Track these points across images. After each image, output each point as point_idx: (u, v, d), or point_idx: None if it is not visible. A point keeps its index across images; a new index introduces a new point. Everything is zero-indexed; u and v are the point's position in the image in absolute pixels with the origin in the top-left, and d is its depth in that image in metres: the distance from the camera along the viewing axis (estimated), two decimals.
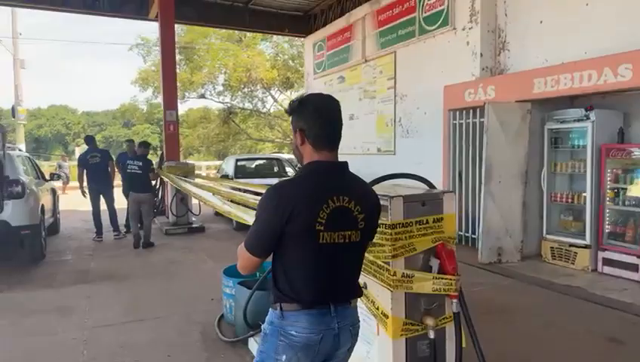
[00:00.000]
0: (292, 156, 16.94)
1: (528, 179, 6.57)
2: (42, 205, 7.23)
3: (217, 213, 11.34)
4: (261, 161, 11.09)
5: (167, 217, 10.52)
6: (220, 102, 31.87)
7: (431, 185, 2.78)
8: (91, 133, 63.57)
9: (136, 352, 3.84)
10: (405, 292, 2.16)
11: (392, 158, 10.62)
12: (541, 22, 7.34)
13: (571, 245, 6.15)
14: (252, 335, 3.79)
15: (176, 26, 25.56)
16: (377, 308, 2.23)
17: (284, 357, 1.74)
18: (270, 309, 1.84)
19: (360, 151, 11.86)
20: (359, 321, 1.87)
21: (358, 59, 11.71)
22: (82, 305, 5.07)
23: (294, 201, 1.67)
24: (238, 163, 10.35)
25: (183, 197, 9.36)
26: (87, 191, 8.62)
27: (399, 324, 2.14)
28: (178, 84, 26.74)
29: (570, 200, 6.31)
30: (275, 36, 29.76)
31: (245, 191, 5.75)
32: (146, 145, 8.95)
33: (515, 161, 6.42)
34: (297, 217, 1.66)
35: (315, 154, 1.82)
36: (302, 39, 15.62)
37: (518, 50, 7.76)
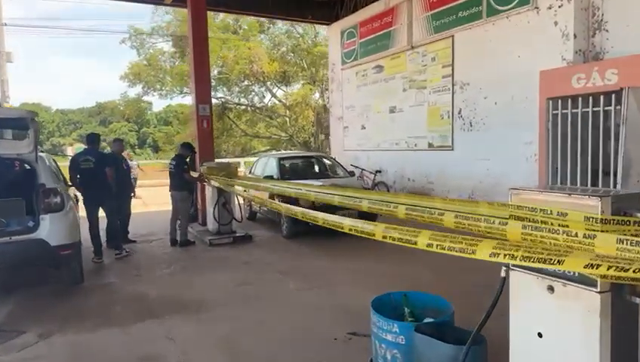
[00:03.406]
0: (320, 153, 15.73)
1: None
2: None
3: (250, 218, 10.22)
4: (304, 160, 9.99)
5: (200, 223, 9.37)
6: (215, 97, 30.45)
7: None
8: (65, 132, 60.70)
9: None
10: None
11: (449, 155, 9.67)
12: None
13: None
14: None
15: (173, 14, 23.98)
16: None
17: None
18: None
19: (404, 147, 10.88)
20: None
21: (402, 46, 10.70)
22: (170, 352, 3.91)
23: None
24: (282, 162, 9.21)
25: (225, 202, 8.20)
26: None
27: None
28: (177, 78, 25.38)
29: None
30: (272, 27, 28.60)
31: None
32: (185, 146, 8.24)
33: None
34: None
35: None
36: (325, 27, 14.43)
37: (621, 29, 6.86)
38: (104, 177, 6.96)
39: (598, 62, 6.42)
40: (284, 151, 18.30)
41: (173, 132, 40.68)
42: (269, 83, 29.00)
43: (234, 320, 4.57)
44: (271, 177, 8.67)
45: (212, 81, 28.87)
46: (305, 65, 26.93)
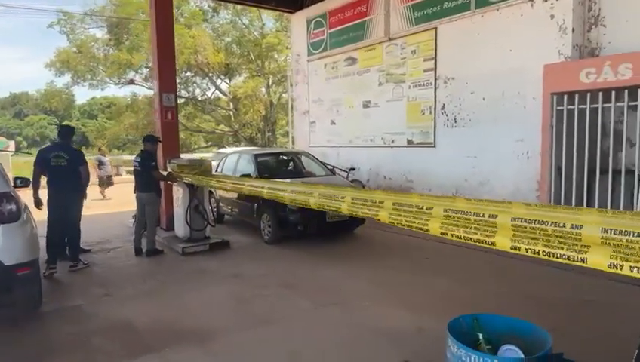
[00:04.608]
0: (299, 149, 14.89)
1: None
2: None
3: (217, 221, 9.26)
4: (281, 158, 9.17)
5: (164, 228, 8.30)
6: (151, 88, 28.57)
7: None
8: None
9: None
10: None
11: (430, 151, 9.29)
12: None
13: None
14: None
15: None
16: None
17: None
18: None
19: (380, 143, 10.40)
20: None
21: (378, 38, 10.19)
22: None
23: None
24: (259, 160, 8.35)
25: (198, 205, 7.26)
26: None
27: None
28: (113, 67, 23.37)
29: None
30: (215, 17, 27.25)
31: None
32: (150, 139, 7.05)
33: None
34: None
35: None
36: (289, 15, 13.59)
37: (620, 25, 6.73)
38: (77, 178, 5.95)
39: (610, 56, 6.21)
40: (255, 148, 17.24)
41: (105, 126, 37.87)
42: (211, 75, 27.65)
43: (252, 353, 3.78)
44: (248, 176, 7.81)
45: (146, 71, 27.08)
46: (252, 58, 25.84)
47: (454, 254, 6.60)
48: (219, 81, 29.42)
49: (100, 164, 14.35)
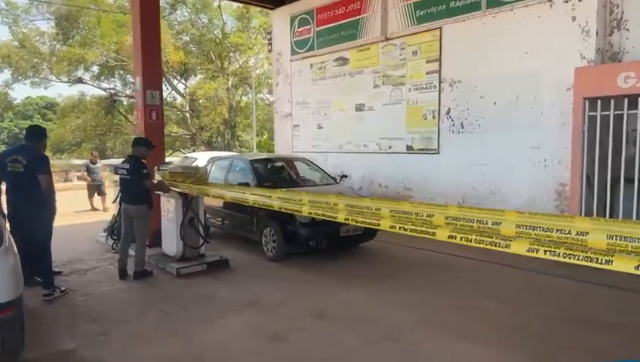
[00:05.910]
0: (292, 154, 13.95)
1: None
2: None
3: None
4: (280, 164, 8.28)
5: (147, 244, 7.23)
6: (100, 87, 26.82)
7: None
8: None
9: None
10: None
11: (433, 158, 8.79)
12: None
13: None
14: None
15: None
16: None
17: None
18: None
19: (375, 149, 9.81)
20: None
21: (374, 37, 9.61)
22: None
23: None
24: (255, 166, 7.49)
25: (193, 218, 6.32)
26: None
27: None
28: (63, 63, 21.49)
29: None
30: (175, 13, 25.94)
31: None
32: (143, 143, 6.09)
33: None
34: None
35: None
36: (269, 11, 12.76)
37: None
38: (37, 187, 4.87)
39: None
40: (250, 153, 16.03)
41: (49, 127, 35.17)
42: (167, 74, 26.22)
43: None
44: (246, 185, 6.95)
45: (97, 69, 25.25)
46: (213, 57, 24.64)
47: (481, 270, 6.09)
48: (175, 82, 28.03)
49: (89, 171, 12.47)
